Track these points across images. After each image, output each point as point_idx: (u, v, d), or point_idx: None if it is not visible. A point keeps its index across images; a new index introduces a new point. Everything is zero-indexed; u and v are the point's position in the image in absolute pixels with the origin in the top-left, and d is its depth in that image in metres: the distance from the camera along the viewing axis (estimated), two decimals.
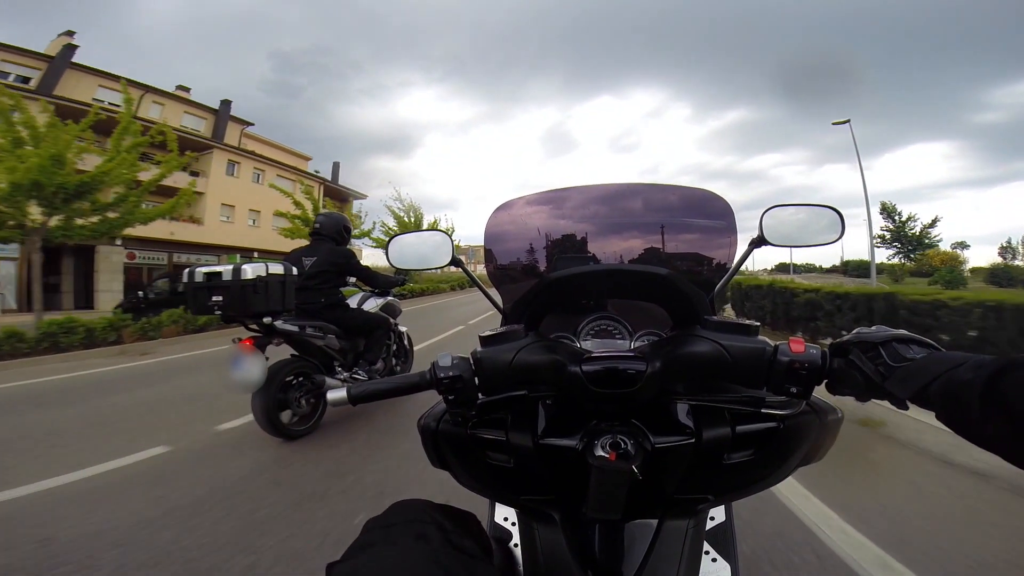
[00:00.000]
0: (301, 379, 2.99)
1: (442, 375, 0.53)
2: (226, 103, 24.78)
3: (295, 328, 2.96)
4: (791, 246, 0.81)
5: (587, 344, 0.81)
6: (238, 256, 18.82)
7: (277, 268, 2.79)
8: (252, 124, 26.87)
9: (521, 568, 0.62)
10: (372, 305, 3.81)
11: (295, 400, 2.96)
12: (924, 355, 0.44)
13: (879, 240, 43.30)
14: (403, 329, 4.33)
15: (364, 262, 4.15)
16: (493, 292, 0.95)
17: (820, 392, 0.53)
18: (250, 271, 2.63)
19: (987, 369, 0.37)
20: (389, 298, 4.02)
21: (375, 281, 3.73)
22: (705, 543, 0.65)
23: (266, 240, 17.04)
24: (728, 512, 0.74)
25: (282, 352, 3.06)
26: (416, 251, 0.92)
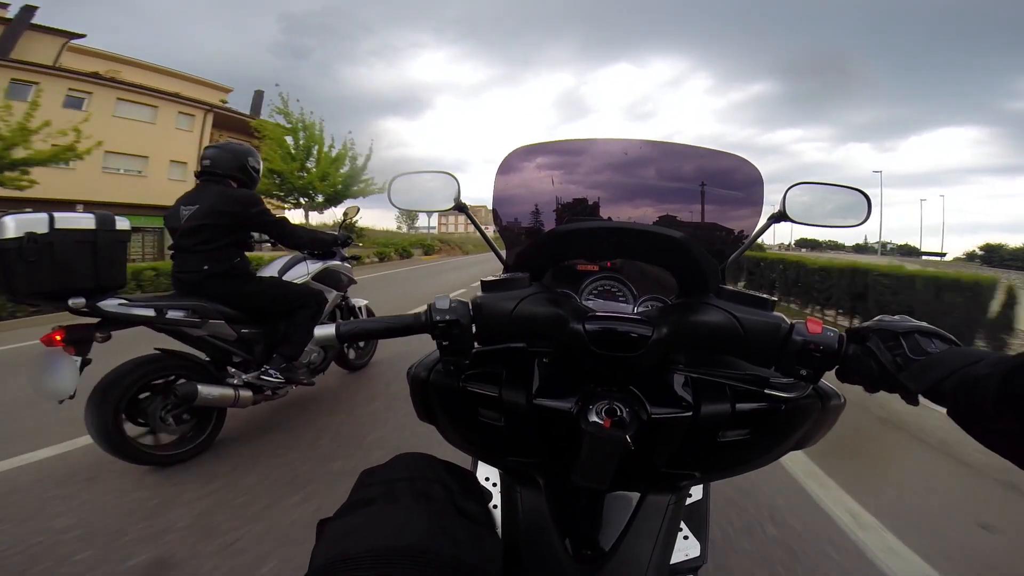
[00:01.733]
0: (182, 382, 2.13)
1: (438, 318, 0.51)
2: (29, 9, 17.90)
3: (147, 312, 1.99)
4: (813, 225, 0.81)
5: (589, 303, 0.79)
6: (29, 209, 13.45)
7: (76, 221, 1.81)
8: (81, 35, 18.96)
9: (499, 530, 0.61)
10: (300, 273, 2.71)
11: (158, 415, 2.07)
12: (944, 349, 0.43)
13: None
14: (360, 303, 3.29)
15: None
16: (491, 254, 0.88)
17: (827, 377, 0.52)
18: (12, 226, 1.67)
19: (1005, 365, 0.36)
20: (331, 262, 2.88)
21: (295, 238, 2.58)
22: (680, 520, 0.65)
23: (97, 186, 11.97)
24: (706, 491, 0.75)
25: (141, 343, 2.11)
26: (419, 192, 0.82)
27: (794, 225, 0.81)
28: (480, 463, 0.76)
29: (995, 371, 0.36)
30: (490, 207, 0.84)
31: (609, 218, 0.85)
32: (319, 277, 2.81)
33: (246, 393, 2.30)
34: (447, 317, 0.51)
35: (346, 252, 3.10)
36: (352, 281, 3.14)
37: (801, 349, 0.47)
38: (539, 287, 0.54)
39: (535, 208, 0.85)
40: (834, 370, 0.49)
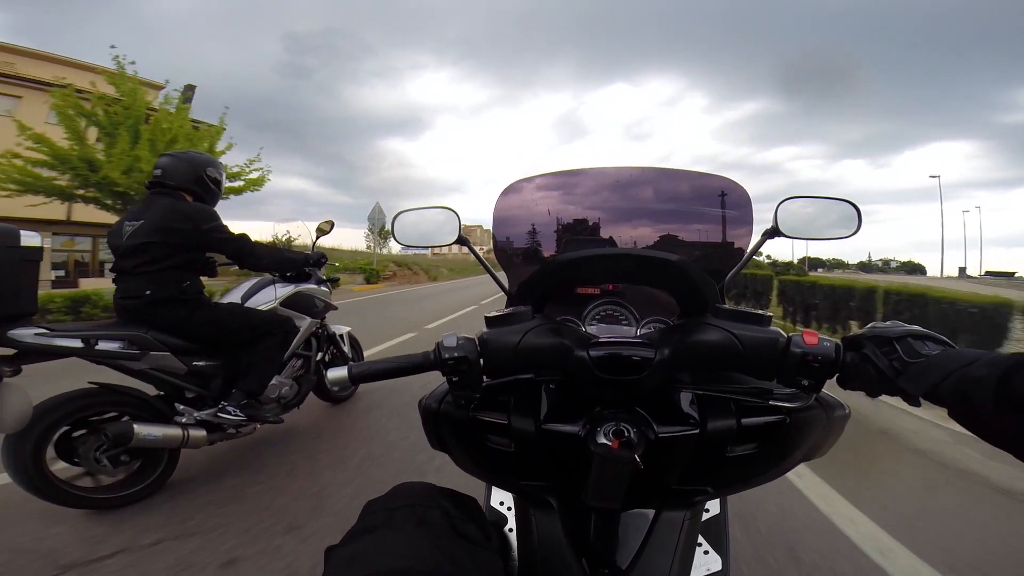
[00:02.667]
0: (124, 419, 1.89)
1: (447, 356, 0.52)
2: None
3: (73, 342, 1.75)
4: (805, 239, 0.83)
5: (592, 329, 0.80)
6: None
7: None
8: None
9: (515, 553, 0.62)
10: (267, 298, 2.43)
11: (90, 454, 1.82)
12: (938, 352, 0.44)
13: None
14: (341, 331, 3.04)
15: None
16: (494, 276, 0.92)
17: (830, 387, 0.53)
18: None
19: (1000, 366, 0.37)
20: (304, 286, 2.60)
21: (256, 258, 2.24)
22: (698, 535, 0.65)
23: None
24: (723, 505, 0.76)
25: (72, 376, 1.87)
26: (420, 228, 0.87)
27: (792, 242, 0.82)
28: (493, 488, 0.77)
29: (991, 372, 0.37)
30: (486, 227, 0.89)
31: (610, 237, 0.88)
32: (289, 303, 2.52)
33: (198, 432, 2.04)
34: (455, 354, 0.51)
35: (323, 273, 2.81)
36: (330, 307, 2.85)
37: (800, 361, 0.48)
38: (542, 318, 0.55)
39: (534, 231, 0.89)
40: (835, 379, 0.50)
